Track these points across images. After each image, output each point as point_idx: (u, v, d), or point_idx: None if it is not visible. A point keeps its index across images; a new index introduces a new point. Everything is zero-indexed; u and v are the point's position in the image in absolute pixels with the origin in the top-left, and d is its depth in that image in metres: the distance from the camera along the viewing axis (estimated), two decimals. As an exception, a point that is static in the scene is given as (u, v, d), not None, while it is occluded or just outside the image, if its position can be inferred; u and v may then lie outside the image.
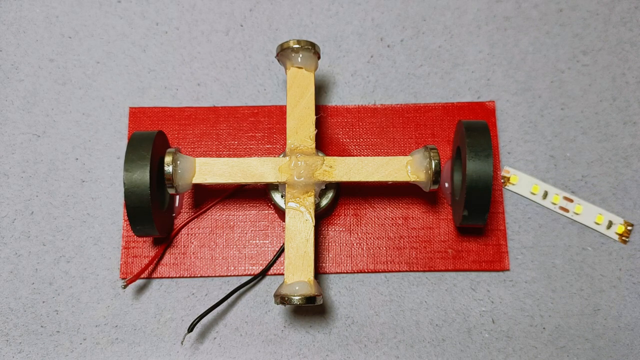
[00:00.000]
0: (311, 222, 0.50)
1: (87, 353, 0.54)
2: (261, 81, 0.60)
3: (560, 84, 0.60)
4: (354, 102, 0.60)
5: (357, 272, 0.56)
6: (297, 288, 0.48)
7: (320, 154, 0.52)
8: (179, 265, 0.56)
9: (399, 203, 0.58)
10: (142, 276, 0.56)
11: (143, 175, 0.49)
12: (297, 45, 0.53)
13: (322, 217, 0.57)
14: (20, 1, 0.62)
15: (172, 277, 0.56)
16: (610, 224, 0.57)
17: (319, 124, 0.59)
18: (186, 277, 0.56)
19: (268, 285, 0.56)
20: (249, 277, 0.55)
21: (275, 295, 0.48)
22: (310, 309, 0.55)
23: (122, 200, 0.57)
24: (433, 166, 0.50)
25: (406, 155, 0.58)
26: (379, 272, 0.56)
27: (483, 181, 0.49)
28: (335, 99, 0.60)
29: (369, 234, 0.57)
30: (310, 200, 0.51)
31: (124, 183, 0.49)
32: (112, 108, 0.59)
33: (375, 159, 0.52)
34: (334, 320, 0.55)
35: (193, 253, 0.56)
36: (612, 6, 0.62)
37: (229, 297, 0.54)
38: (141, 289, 0.56)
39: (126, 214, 0.55)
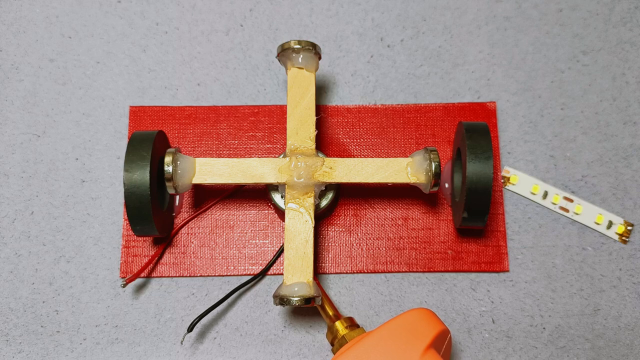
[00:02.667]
0: (311, 224, 0.50)
1: (87, 353, 0.54)
2: (261, 81, 0.60)
3: (560, 84, 0.60)
4: (354, 102, 0.60)
5: (357, 273, 0.56)
6: (296, 289, 0.48)
7: (320, 155, 0.52)
8: (179, 264, 0.56)
9: (399, 204, 0.58)
10: (142, 275, 0.56)
11: (143, 175, 0.49)
12: (298, 46, 0.53)
13: (322, 217, 0.57)
14: (20, 1, 0.62)
15: (172, 277, 0.56)
16: (610, 224, 0.57)
17: (319, 124, 0.59)
18: (186, 276, 0.56)
19: (268, 285, 0.56)
20: (249, 277, 0.55)
21: (275, 296, 0.48)
22: (310, 309, 0.55)
23: (122, 200, 0.57)
24: (433, 168, 0.50)
25: (406, 155, 0.58)
26: (378, 272, 0.56)
27: (483, 183, 0.49)
28: (336, 99, 0.60)
29: (368, 234, 0.57)
30: (310, 201, 0.51)
31: (124, 183, 0.49)
32: (112, 108, 0.59)
33: (375, 160, 0.52)
34: (333, 320, 0.55)
35: (193, 253, 0.56)
36: (612, 6, 0.62)
37: (229, 297, 0.54)
38: (141, 289, 0.56)
39: (126, 213, 0.55)
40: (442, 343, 0.47)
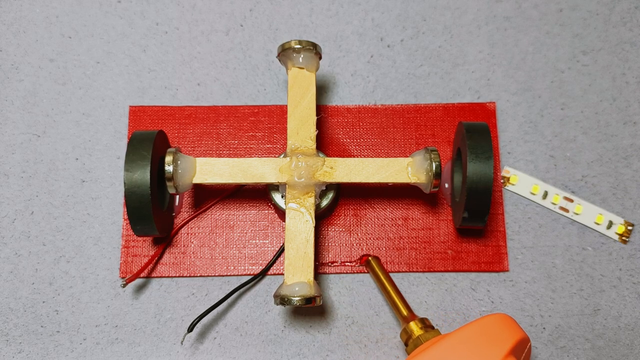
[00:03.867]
0: (311, 223, 0.50)
1: (87, 353, 0.54)
2: (261, 81, 0.60)
3: (560, 84, 0.60)
4: (354, 102, 0.60)
5: (357, 273, 0.56)
6: (296, 289, 0.48)
7: (320, 155, 0.52)
8: (179, 264, 0.56)
9: (399, 204, 0.58)
10: (141, 275, 0.56)
11: (143, 175, 0.49)
12: (298, 46, 0.53)
13: (322, 217, 0.57)
14: (20, 1, 0.62)
15: (172, 277, 0.56)
16: (610, 224, 0.57)
17: (319, 124, 0.59)
18: (186, 276, 0.56)
19: (268, 285, 0.56)
20: (249, 277, 0.55)
21: (275, 296, 0.48)
22: (310, 309, 0.55)
23: (122, 200, 0.57)
24: (433, 168, 0.50)
25: (406, 155, 0.58)
26: (379, 272, 0.56)
27: (483, 183, 0.49)
28: (336, 99, 0.60)
29: (368, 234, 0.57)
30: (311, 201, 0.51)
31: (125, 183, 0.49)
32: (112, 108, 0.59)
33: (376, 160, 0.52)
34: (334, 320, 0.55)
35: (193, 252, 0.56)
36: (612, 6, 0.62)
37: (229, 297, 0.54)
38: (141, 289, 0.56)
39: (126, 213, 0.55)
40: (522, 351, 0.46)
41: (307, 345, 0.55)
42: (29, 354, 0.54)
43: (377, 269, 0.55)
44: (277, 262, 0.56)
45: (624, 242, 0.57)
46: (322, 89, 0.60)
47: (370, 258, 0.55)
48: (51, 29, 0.61)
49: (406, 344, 0.51)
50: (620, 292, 0.56)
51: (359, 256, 0.56)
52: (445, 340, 0.44)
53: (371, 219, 0.57)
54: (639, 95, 0.59)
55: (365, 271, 0.56)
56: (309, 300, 0.47)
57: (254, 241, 0.57)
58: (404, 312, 0.52)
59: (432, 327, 0.51)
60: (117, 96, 0.60)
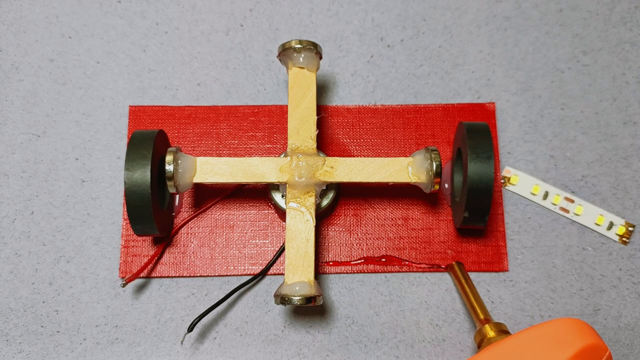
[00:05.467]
0: (312, 223, 0.50)
1: (87, 353, 0.54)
2: (261, 81, 0.60)
3: (560, 84, 0.60)
4: (354, 102, 0.60)
5: (357, 273, 0.56)
6: (297, 288, 0.48)
7: (321, 155, 0.52)
8: (179, 264, 0.56)
9: (399, 204, 0.58)
10: (141, 275, 0.56)
11: (144, 174, 0.49)
12: (299, 46, 0.53)
13: (323, 217, 0.57)
14: (20, 1, 0.62)
15: (171, 277, 0.56)
16: (611, 225, 0.57)
17: (319, 124, 0.59)
18: (186, 276, 0.56)
19: (268, 285, 0.56)
20: (249, 277, 0.55)
21: (276, 296, 0.48)
22: (310, 309, 0.55)
23: (122, 200, 0.57)
24: (434, 168, 0.50)
25: (406, 155, 0.58)
26: (378, 272, 0.56)
27: (484, 183, 0.49)
28: (336, 99, 0.60)
29: (368, 234, 0.57)
30: (311, 200, 0.51)
31: (125, 182, 0.48)
32: (112, 108, 0.59)
33: (377, 160, 0.52)
34: (334, 320, 0.55)
35: (193, 252, 0.56)
36: (612, 6, 0.62)
37: (229, 297, 0.54)
38: (141, 289, 0.56)
39: (126, 213, 0.55)
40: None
41: (307, 345, 0.55)
42: (29, 354, 0.54)
43: (459, 274, 0.55)
44: (277, 262, 0.56)
45: (624, 243, 0.57)
46: (322, 89, 0.60)
47: (454, 263, 0.56)
48: (51, 29, 0.61)
49: (479, 346, 0.50)
50: (620, 292, 0.56)
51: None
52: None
53: (371, 219, 0.57)
54: (639, 95, 0.60)
55: (365, 271, 0.56)
56: (309, 299, 0.47)
57: (254, 241, 0.57)
58: (481, 315, 0.52)
59: (507, 332, 0.50)
60: (117, 96, 0.60)
